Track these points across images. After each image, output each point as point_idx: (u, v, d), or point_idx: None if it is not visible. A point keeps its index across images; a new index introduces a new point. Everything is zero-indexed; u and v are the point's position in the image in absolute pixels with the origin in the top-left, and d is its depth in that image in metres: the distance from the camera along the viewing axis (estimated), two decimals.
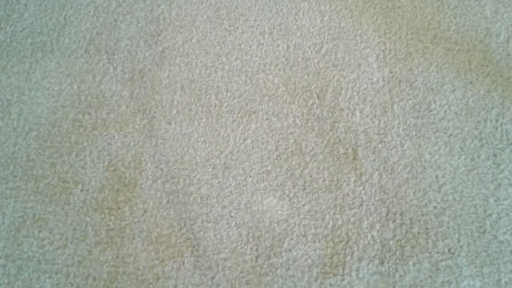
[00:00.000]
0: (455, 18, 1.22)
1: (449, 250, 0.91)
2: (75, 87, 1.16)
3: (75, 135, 1.09)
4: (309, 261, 0.92)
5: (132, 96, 1.14)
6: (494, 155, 1.02)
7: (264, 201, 0.99)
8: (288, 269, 0.91)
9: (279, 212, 0.97)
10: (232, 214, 0.97)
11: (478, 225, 0.94)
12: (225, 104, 1.12)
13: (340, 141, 1.05)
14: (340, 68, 1.16)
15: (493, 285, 0.88)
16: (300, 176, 1.01)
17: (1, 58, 1.22)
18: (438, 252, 0.91)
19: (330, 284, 0.89)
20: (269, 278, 0.90)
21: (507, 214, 0.95)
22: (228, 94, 1.14)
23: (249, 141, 1.06)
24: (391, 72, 1.14)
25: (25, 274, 0.92)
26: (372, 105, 1.10)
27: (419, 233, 0.93)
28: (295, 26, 1.24)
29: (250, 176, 1.02)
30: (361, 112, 1.09)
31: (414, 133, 1.05)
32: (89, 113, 1.12)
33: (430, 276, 0.89)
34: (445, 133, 1.05)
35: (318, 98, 1.12)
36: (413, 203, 0.97)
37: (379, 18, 1.24)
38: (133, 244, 0.95)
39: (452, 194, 0.97)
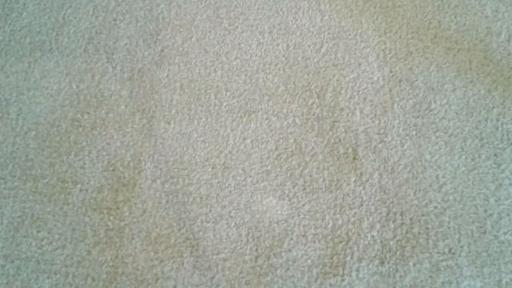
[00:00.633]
0: (455, 17, 1.22)
1: (449, 250, 0.91)
2: (74, 86, 1.16)
3: (74, 135, 1.09)
4: (309, 261, 0.91)
5: (131, 95, 1.14)
6: (495, 155, 1.02)
7: (264, 201, 0.98)
8: (288, 269, 0.91)
9: (279, 212, 0.97)
10: (232, 214, 0.97)
11: (478, 225, 0.94)
12: (224, 104, 1.12)
13: (340, 140, 1.05)
14: (340, 68, 1.15)
15: (493, 286, 0.88)
16: (300, 176, 1.01)
17: (0, 57, 1.22)
18: (438, 252, 0.91)
19: (330, 285, 0.89)
20: (268, 278, 0.90)
21: (508, 214, 0.94)
22: (228, 93, 1.13)
23: (248, 141, 1.06)
24: (391, 72, 1.14)
25: (23, 274, 0.92)
26: (372, 104, 1.10)
27: (419, 233, 0.93)
28: (295, 25, 1.23)
29: (250, 176, 1.01)
30: (361, 112, 1.09)
31: (414, 132, 1.05)
32: (88, 113, 1.12)
33: (430, 277, 0.89)
34: (445, 133, 1.05)
35: (318, 97, 1.11)
36: (414, 203, 0.97)
37: (379, 17, 1.24)
38: (132, 244, 0.94)
39: (453, 194, 0.97)
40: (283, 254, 0.92)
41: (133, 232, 0.96)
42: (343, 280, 0.89)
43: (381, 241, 0.93)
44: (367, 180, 1.00)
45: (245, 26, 1.24)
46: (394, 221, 0.95)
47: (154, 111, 1.12)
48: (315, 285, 0.89)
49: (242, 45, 1.21)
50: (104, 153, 1.06)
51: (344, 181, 1.00)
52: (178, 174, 1.02)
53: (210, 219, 0.97)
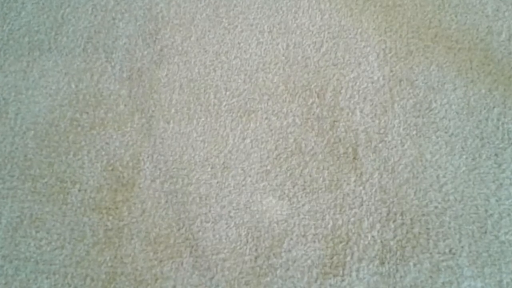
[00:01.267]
0: (456, 16, 1.22)
1: (450, 251, 0.91)
2: (73, 86, 1.16)
3: (73, 135, 1.09)
4: (309, 261, 0.91)
5: (130, 95, 1.14)
6: (496, 154, 1.01)
7: (264, 201, 0.98)
8: (288, 269, 0.91)
9: (279, 212, 0.97)
10: (231, 214, 0.97)
11: (479, 225, 0.93)
12: (224, 103, 1.12)
13: (340, 140, 1.05)
14: (340, 67, 1.15)
15: (494, 286, 0.87)
16: (300, 175, 1.01)
17: None
18: (439, 253, 0.91)
19: (330, 285, 0.89)
20: (268, 278, 0.90)
21: (509, 214, 0.94)
22: (227, 93, 1.13)
23: (248, 141, 1.06)
24: (391, 71, 1.14)
25: (22, 274, 0.92)
26: (372, 104, 1.09)
27: (420, 233, 0.93)
28: (295, 25, 1.23)
29: (250, 176, 1.01)
30: (361, 111, 1.08)
31: (414, 132, 1.05)
32: (87, 112, 1.12)
33: (431, 277, 0.89)
34: (446, 133, 1.05)
35: (318, 97, 1.11)
36: (414, 203, 0.96)
37: (379, 16, 1.23)
38: (131, 245, 0.94)
39: (453, 194, 0.97)
40: (283, 254, 0.92)
41: (132, 232, 0.96)
42: (343, 280, 0.89)
43: (381, 241, 0.92)
44: (367, 180, 0.99)
45: (245, 25, 1.24)
46: (394, 221, 0.95)
47: (153, 111, 1.11)
48: (315, 286, 0.89)
49: (241, 44, 1.21)
50: (103, 152, 1.06)
51: (344, 181, 1.00)
52: (178, 174, 1.02)
53: (209, 219, 0.96)
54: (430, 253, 0.91)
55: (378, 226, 0.94)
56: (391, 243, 0.92)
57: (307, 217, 0.96)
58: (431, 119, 1.07)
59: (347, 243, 0.93)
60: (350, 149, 1.04)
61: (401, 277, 0.89)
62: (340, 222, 0.95)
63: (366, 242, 0.93)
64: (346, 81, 1.13)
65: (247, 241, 0.94)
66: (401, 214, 0.95)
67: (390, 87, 1.12)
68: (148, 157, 1.05)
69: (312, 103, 1.11)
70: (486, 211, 0.95)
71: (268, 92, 1.13)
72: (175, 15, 1.27)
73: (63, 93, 1.15)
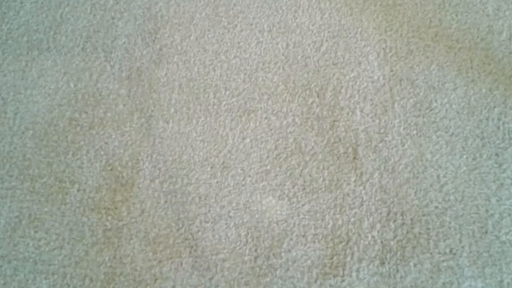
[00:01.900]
0: (456, 15, 1.21)
1: (450, 251, 0.91)
2: (72, 85, 1.16)
3: (72, 134, 1.08)
4: (309, 261, 0.91)
5: (130, 94, 1.14)
6: (496, 154, 1.01)
7: (263, 201, 0.98)
8: (288, 270, 0.90)
9: (279, 212, 0.97)
10: (231, 214, 0.97)
11: (480, 225, 0.93)
12: (223, 103, 1.11)
13: (340, 140, 1.05)
14: (340, 66, 1.15)
15: (495, 286, 0.87)
16: (300, 175, 1.01)
17: None
18: (439, 253, 0.90)
19: (330, 285, 0.88)
20: (268, 279, 0.90)
21: (510, 214, 0.94)
22: (227, 92, 1.13)
23: (248, 140, 1.06)
24: (391, 70, 1.13)
25: (21, 275, 0.92)
26: (372, 103, 1.09)
27: (420, 233, 0.93)
28: (295, 24, 1.23)
29: (249, 176, 1.01)
30: (361, 111, 1.08)
31: (415, 132, 1.05)
32: (86, 112, 1.12)
33: (431, 277, 0.88)
34: (446, 132, 1.04)
35: (318, 96, 1.11)
36: (414, 203, 0.96)
37: (379, 15, 1.23)
38: (130, 245, 0.94)
39: (454, 194, 0.97)
40: (282, 254, 0.92)
41: (131, 232, 0.95)
42: (343, 280, 0.89)
43: (381, 241, 0.92)
44: (367, 180, 0.99)
45: (244, 25, 1.24)
46: (394, 221, 0.94)
47: (152, 110, 1.11)
48: (315, 286, 0.89)
49: (241, 43, 1.20)
50: (102, 152, 1.06)
51: (344, 180, 0.99)
52: (177, 174, 1.02)
53: (209, 219, 0.96)
54: (431, 253, 0.91)
55: (378, 226, 0.94)
56: (392, 243, 0.92)
57: (307, 217, 0.96)
58: (432, 118, 1.06)
59: (347, 243, 0.93)
60: (350, 149, 1.04)
61: (401, 277, 0.89)
62: (340, 222, 0.95)
63: (366, 242, 0.92)
64: (346, 81, 1.13)
65: (247, 241, 0.94)
66: (402, 214, 0.95)
67: (391, 86, 1.11)
68: (147, 157, 1.04)
69: (312, 103, 1.10)
70: (486, 211, 0.95)
71: (267, 92, 1.13)
72: (174, 14, 1.27)
73: (62, 93, 1.15)
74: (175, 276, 0.91)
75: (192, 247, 0.94)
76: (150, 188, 1.00)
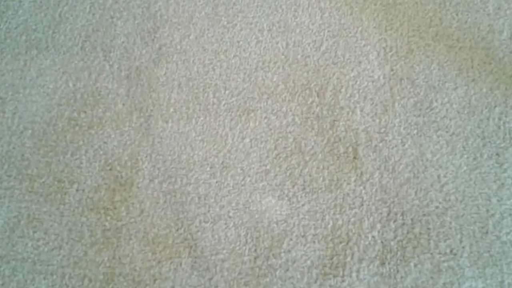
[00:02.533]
0: (457, 15, 1.21)
1: (451, 251, 0.90)
2: (71, 85, 1.15)
3: (71, 134, 1.08)
4: (309, 262, 0.91)
5: (129, 94, 1.14)
6: (497, 154, 1.01)
7: (263, 201, 0.98)
8: (287, 270, 0.90)
9: (278, 212, 0.96)
10: (231, 214, 0.96)
11: (480, 225, 0.93)
12: (223, 102, 1.11)
13: (340, 140, 1.04)
14: (340, 66, 1.15)
15: (496, 287, 0.87)
16: (300, 175, 1.00)
17: None
18: (440, 253, 0.90)
19: (330, 286, 0.88)
20: (268, 279, 0.89)
21: (510, 214, 0.94)
22: (226, 92, 1.13)
23: (247, 140, 1.06)
24: (392, 70, 1.13)
25: (19, 275, 0.91)
26: (372, 103, 1.09)
27: (420, 233, 0.92)
28: (295, 23, 1.23)
29: (249, 176, 1.01)
30: (361, 111, 1.08)
31: (415, 131, 1.04)
32: (85, 112, 1.11)
33: (431, 277, 0.88)
34: (447, 132, 1.04)
35: (317, 96, 1.11)
36: (415, 203, 0.96)
37: (380, 14, 1.23)
38: (129, 245, 0.94)
39: (454, 193, 0.96)
40: (282, 254, 0.92)
41: (130, 233, 0.95)
42: (343, 281, 0.89)
43: (381, 242, 0.92)
44: (367, 180, 0.99)
45: (244, 24, 1.23)
46: (395, 221, 0.94)
47: (151, 110, 1.11)
48: (315, 286, 0.88)
49: (241, 43, 1.20)
50: (101, 152, 1.05)
51: (344, 180, 0.99)
52: (176, 174, 1.02)
53: (208, 219, 0.96)
54: (431, 254, 0.90)
55: (378, 226, 0.94)
56: (392, 243, 0.92)
57: (307, 217, 0.96)
58: (432, 118, 1.06)
59: (347, 243, 0.92)
60: (350, 149, 1.03)
61: (401, 277, 0.88)
62: (340, 222, 0.95)
63: (367, 243, 0.92)
64: (346, 80, 1.12)
65: (246, 242, 0.93)
66: (402, 214, 0.95)
67: (391, 86, 1.11)
68: (146, 156, 1.04)
69: (312, 102, 1.10)
70: (487, 211, 0.94)
71: (267, 91, 1.12)
72: (173, 14, 1.26)
73: (60, 92, 1.15)
74: (174, 276, 0.90)
75: (191, 247, 0.93)
76: (149, 188, 1.00)
